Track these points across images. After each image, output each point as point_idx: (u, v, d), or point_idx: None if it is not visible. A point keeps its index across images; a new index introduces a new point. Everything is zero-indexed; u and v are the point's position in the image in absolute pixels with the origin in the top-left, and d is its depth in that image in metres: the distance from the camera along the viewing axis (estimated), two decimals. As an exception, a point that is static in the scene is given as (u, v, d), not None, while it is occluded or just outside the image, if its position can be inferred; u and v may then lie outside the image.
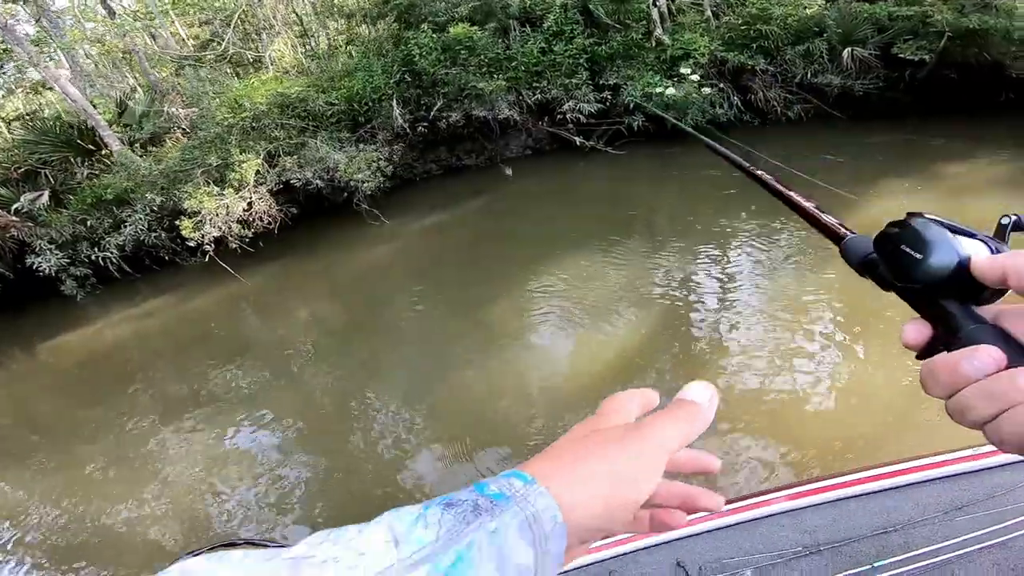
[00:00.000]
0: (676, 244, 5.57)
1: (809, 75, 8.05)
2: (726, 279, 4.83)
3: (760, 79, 8.28)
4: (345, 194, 7.25)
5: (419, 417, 3.86)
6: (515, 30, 9.26)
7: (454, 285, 5.66)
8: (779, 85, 8.25)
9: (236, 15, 11.05)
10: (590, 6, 8.93)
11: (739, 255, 5.12)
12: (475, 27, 8.59)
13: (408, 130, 8.44)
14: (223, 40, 10.62)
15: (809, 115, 8.42)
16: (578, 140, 8.23)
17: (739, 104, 8.34)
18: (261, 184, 7.27)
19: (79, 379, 5.93)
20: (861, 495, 1.36)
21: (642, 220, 6.55)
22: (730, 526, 1.35)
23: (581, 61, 8.54)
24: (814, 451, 2.97)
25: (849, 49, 7.91)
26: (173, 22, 12.40)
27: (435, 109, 7.93)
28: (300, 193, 7.39)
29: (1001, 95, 8.56)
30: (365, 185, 6.92)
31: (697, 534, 1.32)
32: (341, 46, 10.21)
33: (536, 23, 9.36)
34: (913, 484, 1.38)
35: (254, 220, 7.12)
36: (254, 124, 7.25)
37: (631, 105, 7.99)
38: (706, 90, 7.37)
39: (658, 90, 7.43)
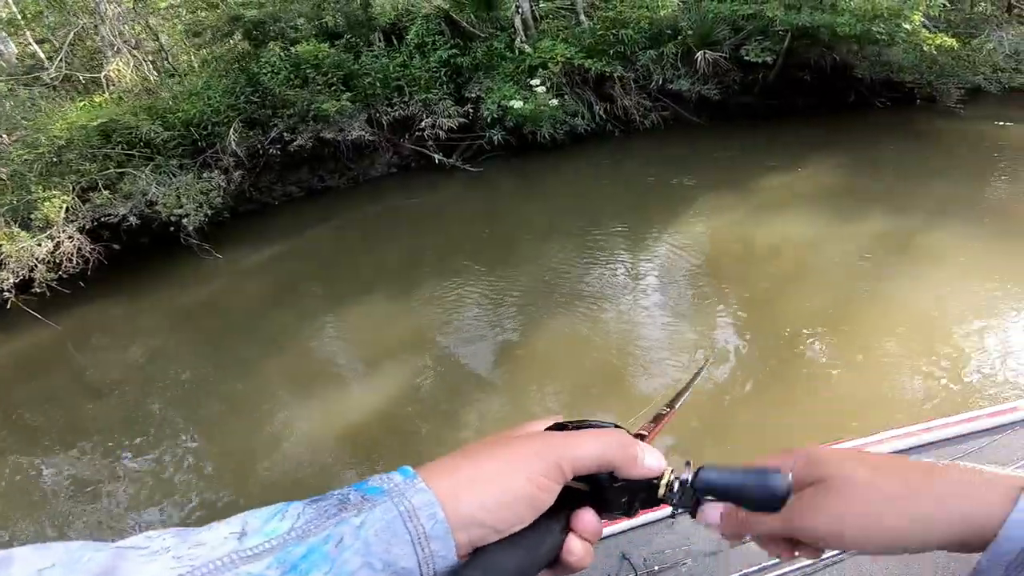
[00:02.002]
0: (518, 271, 5.48)
1: (661, 81, 8.23)
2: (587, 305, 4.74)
3: (620, 86, 8.40)
4: (171, 228, 6.75)
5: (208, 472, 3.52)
6: (379, 43, 9.06)
7: (261, 331, 5.33)
8: (636, 92, 8.40)
9: (72, 32, 10.29)
10: (453, 15, 8.84)
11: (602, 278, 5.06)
12: (327, 43, 8.31)
13: (257, 153, 8.03)
14: (59, 59, 9.84)
15: (669, 123, 8.62)
16: (437, 158, 8.07)
17: (602, 113, 8.42)
18: (72, 222, 6.66)
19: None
20: None
21: (492, 245, 6.43)
22: (670, 516, 1.37)
23: (441, 74, 8.41)
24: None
25: (702, 52, 8.11)
26: (24, 32, 11.43)
27: (276, 131, 7.55)
28: (122, 229, 6.82)
29: (850, 95, 9.09)
30: (187, 219, 6.45)
31: (640, 526, 1.39)
32: (187, 66, 9.67)
33: (402, 35, 9.20)
34: None
35: (63, 261, 6.49)
36: (56, 158, 6.64)
37: (489, 119, 7.92)
38: (554, 101, 7.37)
39: (509, 103, 7.38)
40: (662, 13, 8.28)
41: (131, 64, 9.62)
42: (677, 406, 0.53)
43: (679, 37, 8.37)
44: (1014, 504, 0.32)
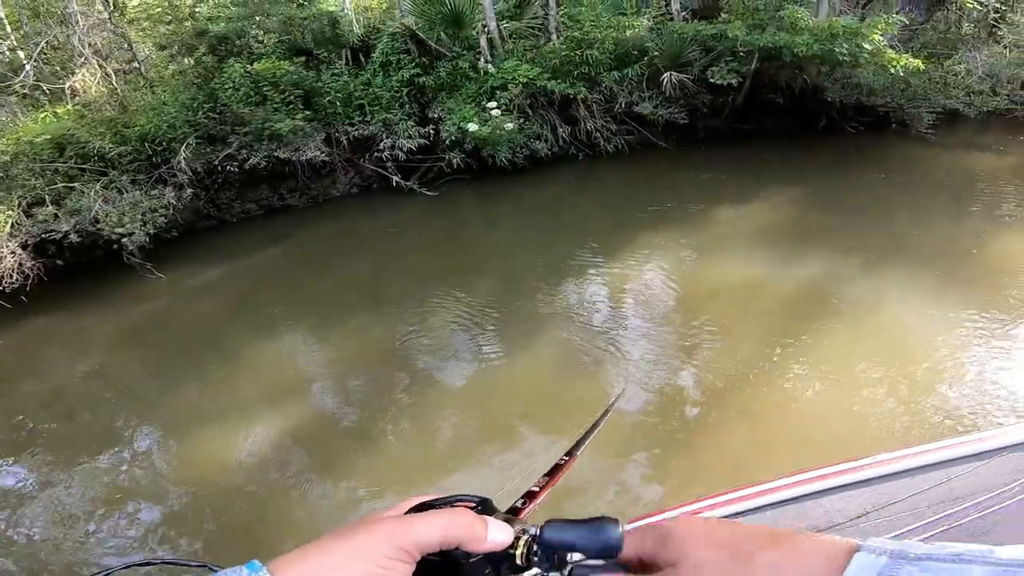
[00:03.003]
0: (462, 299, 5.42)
1: (625, 104, 8.20)
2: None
3: (585, 109, 8.37)
4: (115, 246, 6.74)
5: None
6: (345, 61, 9.08)
7: (197, 353, 5.29)
8: (602, 115, 8.37)
9: (44, 41, 10.40)
10: (419, 33, 8.86)
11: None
12: (288, 60, 8.33)
13: (215, 170, 8.02)
14: (27, 68, 9.93)
15: (636, 147, 8.57)
16: (395, 180, 8.03)
17: (565, 137, 8.38)
18: (15, 237, 6.65)
19: None
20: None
21: (435, 272, 6.38)
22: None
23: (403, 94, 8.40)
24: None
25: (669, 74, 8.05)
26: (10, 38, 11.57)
27: (230, 149, 7.54)
28: (65, 245, 6.81)
29: (821, 120, 9.03)
30: (127, 239, 6.43)
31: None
32: (159, 78, 9.74)
33: (371, 53, 9.23)
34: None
35: (3, 277, 6.49)
36: (2, 173, 6.66)
37: (448, 141, 7.89)
38: (510, 125, 7.33)
39: (466, 126, 7.35)
40: (628, 33, 8.25)
41: (98, 75, 9.68)
42: (578, 453, 0.54)
43: (646, 58, 8.35)
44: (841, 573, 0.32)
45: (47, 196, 6.99)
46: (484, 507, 0.43)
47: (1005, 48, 8.74)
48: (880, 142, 8.54)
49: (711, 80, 7.99)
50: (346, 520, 3.29)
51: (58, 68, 10.95)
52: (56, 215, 6.77)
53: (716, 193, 6.97)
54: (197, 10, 9.43)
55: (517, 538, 0.41)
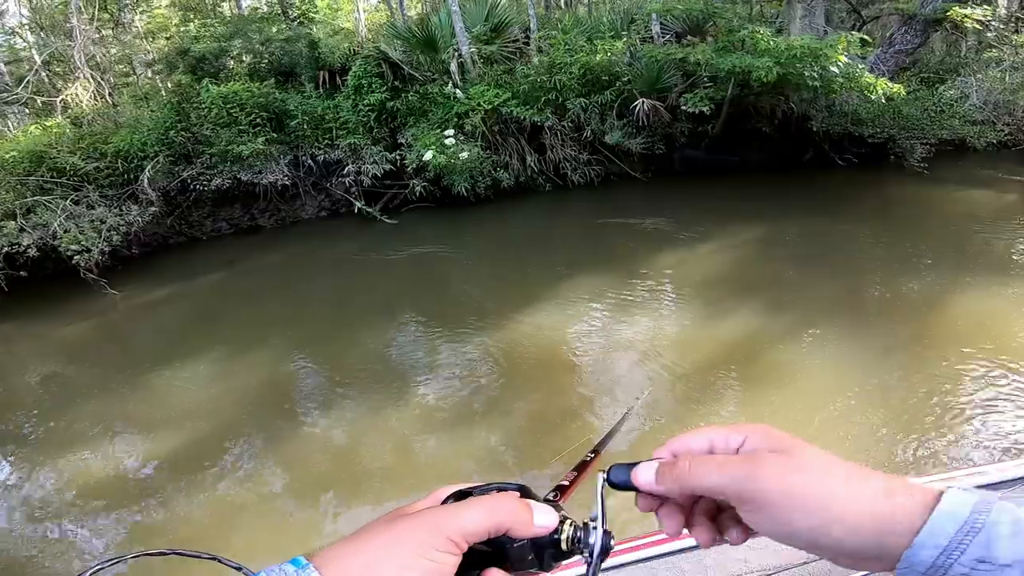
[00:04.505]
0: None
1: (594, 132, 8.08)
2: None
3: (554, 136, 8.30)
4: (72, 261, 7.02)
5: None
6: (324, 82, 9.28)
7: (127, 370, 5.45)
8: (573, 144, 8.28)
9: (47, 53, 10.99)
10: (391, 55, 8.98)
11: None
12: (259, 81, 8.55)
13: (188, 188, 8.30)
14: (26, 80, 10.51)
15: (612, 177, 8.44)
16: (357, 205, 8.12)
17: (534, 166, 8.31)
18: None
19: None
20: None
21: (361, 307, 6.41)
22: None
23: (370, 119, 8.50)
24: None
25: (641, 101, 7.88)
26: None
27: (195, 170, 7.78)
28: (26, 258, 7.12)
29: (807, 152, 8.72)
30: (80, 256, 6.70)
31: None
32: (152, 93, 10.16)
33: (346, 74, 9.41)
34: None
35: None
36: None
37: (411, 168, 7.94)
38: (464, 154, 7.31)
39: (424, 153, 7.38)
40: (599, 58, 8.14)
41: (90, 89, 10.17)
42: (602, 451, 0.56)
43: (618, 83, 8.21)
44: (931, 511, 0.34)
45: (17, 210, 7.35)
46: (524, 494, 0.43)
47: (1003, 72, 8.23)
48: (871, 178, 8.17)
49: (684, 107, 7.81)
50: (279, 519, 3.33)
51: (47, 81, 11.55)
52: (23, 229, 7.09)
53: (684, 233, 6.78)
54: (183, 29, 9.79)
55: (561, 523, 0.42)
